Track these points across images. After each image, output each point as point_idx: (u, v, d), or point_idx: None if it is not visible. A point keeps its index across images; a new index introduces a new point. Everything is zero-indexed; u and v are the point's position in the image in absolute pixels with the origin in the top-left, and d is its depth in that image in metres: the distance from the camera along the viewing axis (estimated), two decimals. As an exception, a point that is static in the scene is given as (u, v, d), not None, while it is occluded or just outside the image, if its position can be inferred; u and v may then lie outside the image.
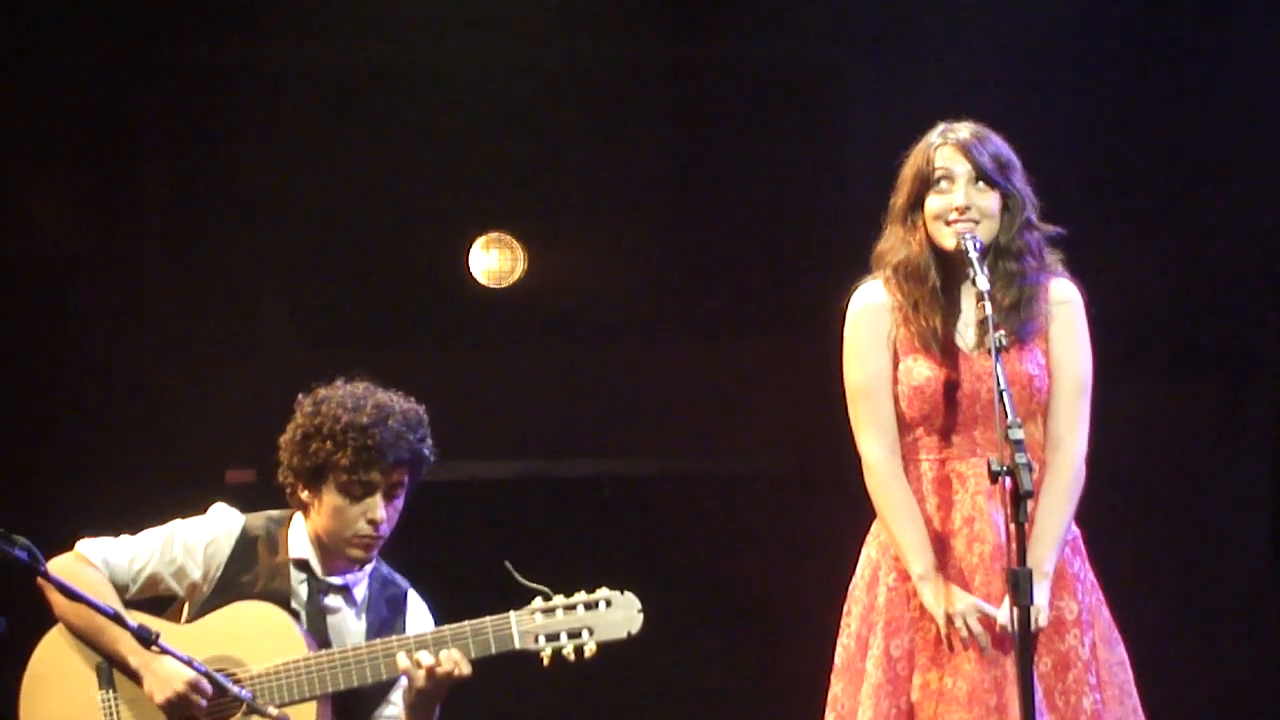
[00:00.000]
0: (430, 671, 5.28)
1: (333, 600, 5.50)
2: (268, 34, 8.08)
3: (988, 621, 5.06)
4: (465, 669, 5.29)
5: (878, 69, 8.03)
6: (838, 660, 5.25)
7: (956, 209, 5.11)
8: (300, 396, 5.52)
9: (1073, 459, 5.15)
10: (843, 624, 5.27)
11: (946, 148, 5.15)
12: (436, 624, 5.54)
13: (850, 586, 5.28)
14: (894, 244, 5.21)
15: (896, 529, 5.14)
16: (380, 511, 5.41)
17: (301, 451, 5.44)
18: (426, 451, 5.46)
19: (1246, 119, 7.81)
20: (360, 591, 5.53)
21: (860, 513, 5.27)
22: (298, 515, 5.53)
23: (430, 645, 5.30)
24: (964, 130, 5.18)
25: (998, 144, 5.18)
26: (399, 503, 5.47)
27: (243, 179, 8.09)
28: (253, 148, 8.09)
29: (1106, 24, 7.83)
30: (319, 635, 5.44)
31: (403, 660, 5.30)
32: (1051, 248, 5.22)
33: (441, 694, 5.34)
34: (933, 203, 5.15)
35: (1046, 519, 5.08)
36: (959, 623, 5.06)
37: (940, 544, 5.13)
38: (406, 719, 5.39)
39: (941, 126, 5.20)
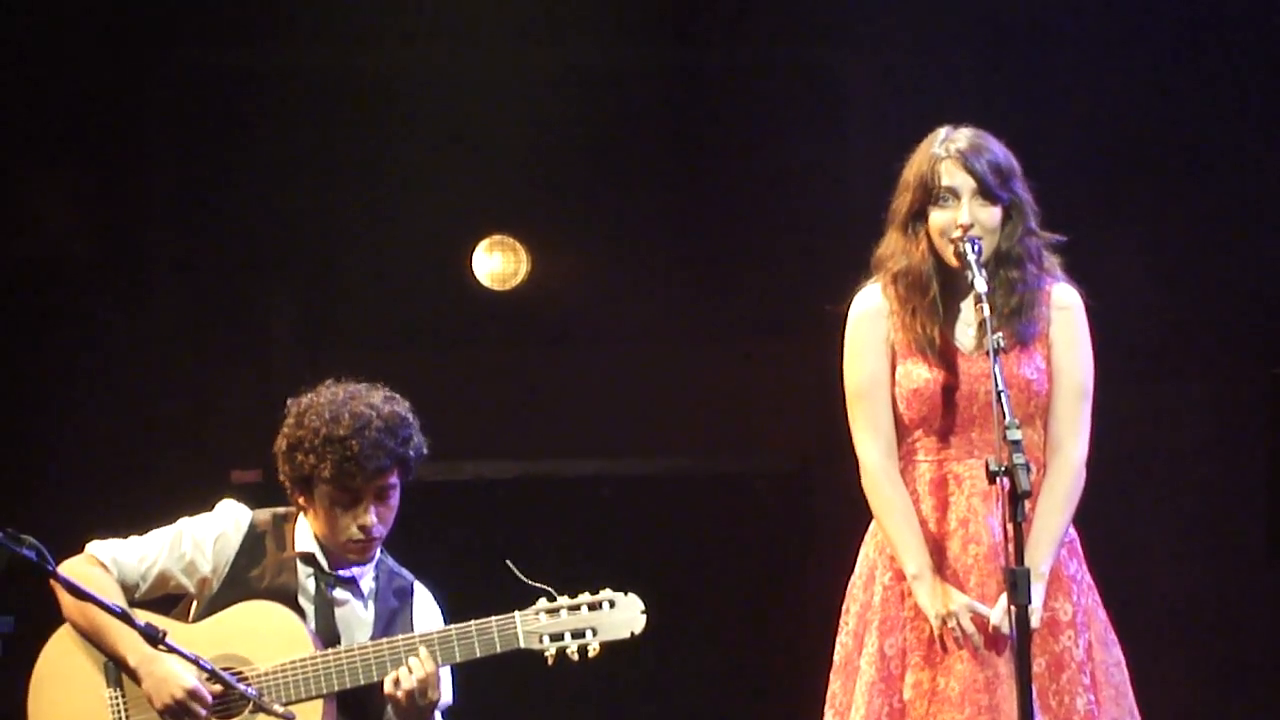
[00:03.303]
0: (408, 693, 5.31)
1: (340, 593, 5.53)
2: (272, 37, 8.12)
3: (981, 622, 5.08)
4: (430, 667, 5.29)
5: (878, 71, 8.05)
6: (836, 658, 5.27)
7: (961, 227, 5.08)
8: (289, 401, 5.53)
9: (1073, 462, 5.16)
10: (841, 622, 5.28)
11: (950, 161, 5.10)
12: (443, 613, 5.58)
13: (849, 585, 5.30)
14: (894, 250, 5.20)
15: (892, 530, 5.16)
16: (370, 517, 5.42)
17: (289, 462, 5.48)
18: (411, 452, 5.45)
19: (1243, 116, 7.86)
20: (366, 584, 5.56)
21: (861, 511, 5.30)
22: (303, 511, 5.59)
23: (435, 644, 5.35)
24: (963, 140, 5.12)
25: (997, 152, 5.13)
26: (393, 501, 5.48)
27: (248, 181, 8.12)
28: (258, 150, 8.12)
29: (1107, 23, 7.85)
30: (328, 628, 5.48)
31: (388, 685, 5.32)
32: (1052, 252, 5.22)
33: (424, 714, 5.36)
34: (937, 218, 5.12)
35: (1044, 521, 5.09)
36: (952, 623, 5.08)
37: (936, 545, 5.14)
38: None
39: (943, 134, 5.15)
